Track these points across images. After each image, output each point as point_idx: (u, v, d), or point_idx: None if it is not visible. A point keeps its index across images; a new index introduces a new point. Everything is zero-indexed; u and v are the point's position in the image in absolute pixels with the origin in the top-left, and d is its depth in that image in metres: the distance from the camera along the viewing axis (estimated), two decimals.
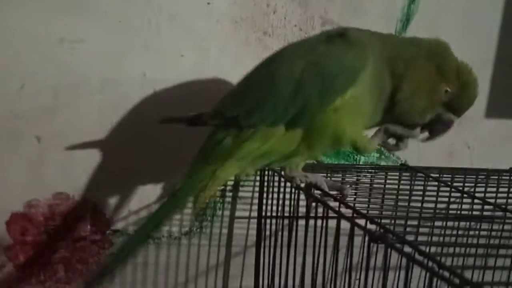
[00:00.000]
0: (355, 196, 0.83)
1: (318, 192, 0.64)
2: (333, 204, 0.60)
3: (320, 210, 0.59)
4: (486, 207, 0.70)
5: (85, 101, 0.81)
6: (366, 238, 0.49)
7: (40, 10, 0.76)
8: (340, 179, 0.86)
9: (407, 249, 0.46)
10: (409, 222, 0.62)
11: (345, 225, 0.54)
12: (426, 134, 0.68)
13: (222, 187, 0.88)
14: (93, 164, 0.83)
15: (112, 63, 0.81)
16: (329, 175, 0.85)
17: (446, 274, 0.41)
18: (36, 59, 0.78)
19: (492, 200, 0.81)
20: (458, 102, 0.63)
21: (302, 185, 0.66)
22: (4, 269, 0.82)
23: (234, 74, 0.65)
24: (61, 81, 0.79)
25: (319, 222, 0.61)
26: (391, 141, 0.68)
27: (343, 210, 0.58)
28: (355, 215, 0.55)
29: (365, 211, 0.79)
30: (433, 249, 0.52)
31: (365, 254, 0.52)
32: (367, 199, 0.82)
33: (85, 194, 0.83)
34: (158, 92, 0.83)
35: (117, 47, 0.80)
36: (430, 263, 0.43)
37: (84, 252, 0.85)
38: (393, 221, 0.62)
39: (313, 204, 0.63)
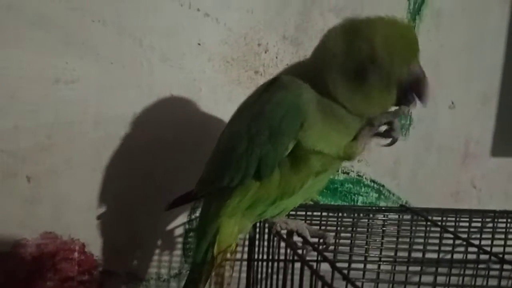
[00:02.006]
0: (351, 239, 0.74)
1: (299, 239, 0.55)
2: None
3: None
4: (493, 258, 0.59)
5: (79, 139, 0.75)
6: None
7: (36, 51, 0.72)
8: (335, 220, 0.77)
9: None
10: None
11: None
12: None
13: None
14: (84, 203, 0.76)
15: (105, 102, 0.75)
16: (324, 216, 0.76)
17: None
18: (32, 98, 0.73)
19: (500, 249, 0.70)
20: (389, 57, 0.47)
21: (284, 231, 0.57)
22: None
23: (226, 113, 0.59)
24: (55, 120, 0.74)
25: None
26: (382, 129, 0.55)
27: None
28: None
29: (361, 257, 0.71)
30: None
31: None
32: (364, 243, 0.73)
33: (74, 233, 0.76)
34: (148, 131, 0.77)
35: (110, 86, 0.75)
36: None
37: None
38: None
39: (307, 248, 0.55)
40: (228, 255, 0.62)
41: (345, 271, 0.51)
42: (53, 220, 0.75)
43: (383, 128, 0.54)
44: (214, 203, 0.58)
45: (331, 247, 0.60)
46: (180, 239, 0.81)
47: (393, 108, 0.52)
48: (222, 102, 0.78)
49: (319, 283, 0.45)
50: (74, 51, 0.73)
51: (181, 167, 0.79)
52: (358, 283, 0.45)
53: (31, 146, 0.73)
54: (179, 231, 0.81)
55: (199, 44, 0.77)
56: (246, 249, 0.79)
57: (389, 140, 0.54)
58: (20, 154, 0.73)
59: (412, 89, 0.49)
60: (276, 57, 0.79)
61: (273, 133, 0.50)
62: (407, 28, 0.49)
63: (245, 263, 0.74)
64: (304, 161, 0.51)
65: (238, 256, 0.80)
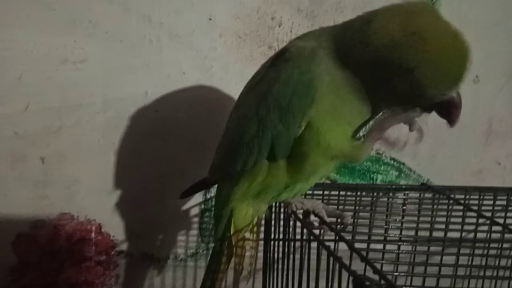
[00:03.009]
0: (369, 219, 0.71)
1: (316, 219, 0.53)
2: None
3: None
4: None
5: (88, 121, 0.74)
6: None
7: (43, 31, 0.70)
8: (354, 199, 0.74)
9: None
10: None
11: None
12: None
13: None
14: (97, 184, 0.75)
15: (115, 82, 0.73)
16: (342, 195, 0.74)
17: None
18: (40, 80, 0.71)
19: None
20: (431, 87, 0.43)
21: (300, 211, 0.55)
22: None
23: (239, 91, 0.57)
24: (65, 102, 0.73)
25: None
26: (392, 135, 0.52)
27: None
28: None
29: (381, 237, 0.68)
30: None
31: None
32: (383, 224, 0.70)
33: (90, 215, 0.76)
34: (160, 111, 0.75)
35: (119, 66, 0.73)
36: None
37: (89, 273, 0.77)
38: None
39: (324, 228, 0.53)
40: (248, 235, 0.60)
41: (364, 252, 0.48)
42: (68, 202, 0.75)
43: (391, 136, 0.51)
44: (225, 188, 0.56)
45: (349, 227, 0.58)
46: (196, 219, 0.80)
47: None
48: (234, 80, 0.75)
49: (336, 264, 0.43)
50: (81, 30, 0.71)
51: (194, 147, 0.77)
52: (377, 265, 0.43)
53: (41, 128, 0.72)
54: (195, 211, 0.80)
55: (210, 19, 0.74)
56: (262, 228, 0.78)
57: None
58: (30, 136, 0.72)
59: (443, 109, 0.46)
60: (291, 31, 0.76)
61: (284, 113, 0.47)
62: (465, 52, 0.44)
63: (261, 242, 0.73)
64: (313, 147, 0.48)
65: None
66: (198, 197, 0.79)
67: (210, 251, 0.78)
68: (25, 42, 0.70)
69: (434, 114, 0.88)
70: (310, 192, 0.69)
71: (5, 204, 0.72)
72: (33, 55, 0.70)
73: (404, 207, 0.72)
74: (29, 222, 0.74)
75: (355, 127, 0.49)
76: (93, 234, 0.76)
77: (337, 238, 0.49)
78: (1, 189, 0.72)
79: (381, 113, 0.50)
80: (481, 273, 0.62)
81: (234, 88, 0.75)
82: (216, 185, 0.61)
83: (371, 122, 0.52)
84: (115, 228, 0.77)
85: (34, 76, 0.71)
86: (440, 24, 0.43)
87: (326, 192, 0.73)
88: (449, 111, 0.46)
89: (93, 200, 0.75)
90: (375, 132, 0.49)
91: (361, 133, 0.54)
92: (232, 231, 0.57)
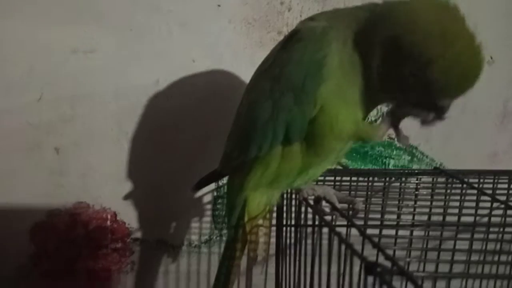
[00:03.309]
0: (382, 205, 0.71)
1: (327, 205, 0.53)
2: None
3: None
4: None
5: (101, 110, 0.74)
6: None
7: (52, 21, 0.71)
8: (366, 184, 0.74)
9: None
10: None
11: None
12: None
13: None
14: (112, 173, 0.76)
15: (125, 71, 0.73)
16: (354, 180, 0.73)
17: None
18: (51, 70, 0.72)
19: None
20: (437, 88, 0.43)
21: (311, 198, 0.55)
22: (29, 277, 0.77)
23: (249, 77, 0.56)
24: (77, 91, 0.73)
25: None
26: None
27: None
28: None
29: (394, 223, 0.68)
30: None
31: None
32: (396, 209, 0.70)
33: (104, 203, 0.77)
34: (171, 99, 0.75)
35: (129, 55, 0.73)
36: None
37: (105, 260, 0.78)
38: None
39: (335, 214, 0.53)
40: (261, 221, 0.61)
41: (376, 238, 0.48)
42: (82, 191, 0.76)
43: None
44: (238, 178, 0.56)
45: (361, 213, 0.58)
46: (209, 206, 0.81)
47: None
48: (244, 66, 0.75)
49: (348, 250, 0.43)
50: (90, 19, 0.71)
51: (206, 134, 0.77)
52: (389, 251, 0.43)
53: (54, 118, 0.73)
54: (208, 198, 0.81)
55: (218, 5, 0.73)
56: (274, 215, 0.78)
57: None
58: (43, 126, 0.73)
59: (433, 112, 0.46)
60: (300, 16, 0.74)
61: (298, 94, 0.47)
62: (481, 63, 0.43)
63: (274, 228, 0.73)
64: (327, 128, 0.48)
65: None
66: (210, 184, 0.80)
67: (224, 238, 0.80)
68: (34, 33, 0.70)
69: None
70: (322, 178, 0.69)
71: (21, 194, 0.74)
72: (43, 45, 0.71)
73: (417, 192, 0.72)
74: (45, 211, 0.76)
75: (362, 112, 0.49)
76: (108, 222, 0.78)
77: (348, 224, 0.49)
78: (17, 178, 0.74)
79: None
80: (495, 258, 0.61)
81: (244, 74, 0.75)
82: (228, 177, 0.61)
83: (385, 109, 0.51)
84: (130, 216, 0.78)
85: (46, 66, 0.72)
86: (467, 29, 0.43)
87: (337, 178, 0.72)
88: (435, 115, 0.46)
89: (107, 189, 0.77)
90: (388, 117, 0.49)
91: (372, 118, 0.54)
92: (246, 219, 0.57)
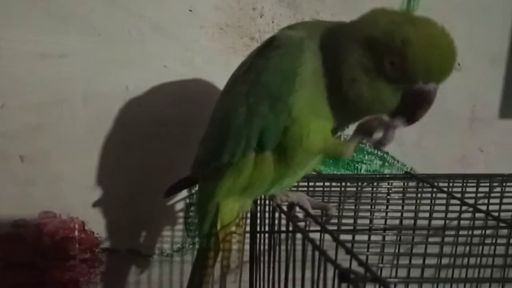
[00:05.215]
0: (354, 210, 0.71)
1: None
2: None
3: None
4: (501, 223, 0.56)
5: (69, 117, 0.71)
6: None
7: (20, 26, 0.68)
8: (339, 189, 0.74)
9: None
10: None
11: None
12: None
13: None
14: (80, 181, 0.74)
15: (95, 77, 0.71)
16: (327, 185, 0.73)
17: None
18: (18, 76, 0.69)
19: (509, 214, 0.67)
20: (419, 67, 0.43)
21: (285, 204, 0.54)
22: None
23: (222, 83, 0.55)
24: (44, 98, 0.70)
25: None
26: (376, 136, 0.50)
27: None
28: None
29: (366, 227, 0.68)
30: None
31: None
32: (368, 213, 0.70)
33: (74, 212, 0.74)
34: (143, 105, 0.73)
35: (99, 60, 0.71)
36: None
37: (74, 271, 0.75)
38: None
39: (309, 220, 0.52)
40: (234, 228, 0.60)
41: (349, 244, 0.48)
42: (50, 200, 0.73)
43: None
44: (210, 183, 0.54)
45: (335, 218, 0.58)
46: (181, 214, 0.79)
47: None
48: (217, 72, 0.74)
49: (322, 257, 0.43)
50: (59, 23, 0.69)
51: (178, 141, 0.75)
52: (363, 256, 0.43)
53: (21, 125, 0.70)
54: (180, 205, 0.79)
55: (190, 10, 0.72)
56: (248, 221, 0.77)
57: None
58: (10, 134, 0.70)
59: (412, 103, 0.45)
60: (273, 22, 0.74)
61: (273, 101, 0.46)
62: (452, 44, 0.44)
63: (247, 235, 0.72)
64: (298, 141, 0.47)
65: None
66: (183, 192, 0.78)
67: (196, 246, 0.78)
68: (3, 38, 0.67)
69: None
70: (295, 183, 0.68)
71: None
72: (9, 50, 0.68)
73: (389, 197, 0.72)
74: (11, 222, 0.72)
75: (334, 127, 0.49)
76: (76, 232, 0.75)
77: (322, 229, 0.48)
78: None
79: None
80: (465, 261, 0.62)
81: (217, 79, 0.73)
82: (199, 182, 0.60)
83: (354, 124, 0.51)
84: (99, 225, 0.76)
85: (11, 72, 0.69)
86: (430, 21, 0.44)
87: (311, 183, 0.72)
88: (417, 108, 0.45)
89: (77, 198, 0.74)
90: (357, 134, 0.49)
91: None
92: (219, 227, 0.56)
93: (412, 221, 0.68)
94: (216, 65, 0.74)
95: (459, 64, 0.83)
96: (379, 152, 0.83)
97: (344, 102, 0.46)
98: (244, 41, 0.74)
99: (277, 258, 0.57)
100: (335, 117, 0.48)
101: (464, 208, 0.61)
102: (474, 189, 0.73)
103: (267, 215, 0.62)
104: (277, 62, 0.47)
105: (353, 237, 0.63)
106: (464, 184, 0.74)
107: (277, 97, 0.46)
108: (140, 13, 0.70)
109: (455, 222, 0.66)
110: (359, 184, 0.75)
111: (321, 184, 0.73)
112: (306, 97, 0.46)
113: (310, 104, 0.46)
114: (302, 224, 0.53)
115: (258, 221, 0.66)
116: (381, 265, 0.47)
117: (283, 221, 0.57)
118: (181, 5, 0.72)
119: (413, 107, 0.46)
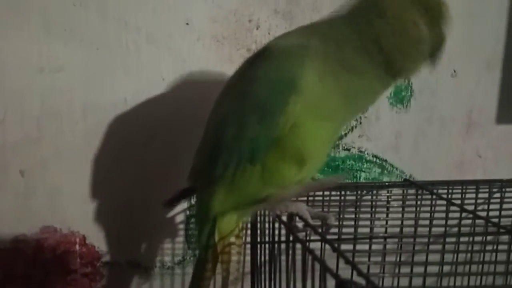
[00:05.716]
0: (354, 219, 0.71)
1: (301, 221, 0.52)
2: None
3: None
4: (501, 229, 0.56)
5: (69, 130, 0.71)
6: None
7: (18, 40, 0.68)
8: (338, 198, 0.74)
9: None
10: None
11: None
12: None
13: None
14: (80, 194, 0.73)
15: (93, 89, 0.71)
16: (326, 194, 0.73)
17: None
18: (17, 89, 0.69)
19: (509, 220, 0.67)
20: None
21: (284, 214, 0.54)
22: None
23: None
24: (43, 111, 0.71)
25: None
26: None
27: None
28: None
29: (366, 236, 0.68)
30: None
31: None
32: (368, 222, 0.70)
33: (73, 225, 0.74)
34: (141, 117, 0.73)
35: (97, 73, 0.71)
36: None
37: (75, 286, 0.75)
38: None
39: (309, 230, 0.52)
40: (233, 239, 0.59)
41: (350, 254, 0.48)
42: (50, 213, 0.73)
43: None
44: (207, 196, 0.54)
45: (335, 228, 0.57)
46: (181, 226, 0.78)
47: None
48: (214, 83, 0.74)
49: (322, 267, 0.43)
50: (57, 37, 0.69)
51: (177, 152, 0.75)
52: (363, 266, 0.43)
53: (20, 138, 0.70)
54: (180, 217, 0.79)
55: (187, 23, 0.72)
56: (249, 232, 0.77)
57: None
58: (9, 147, 0.70)
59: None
60: (269, 33, 0.75)
61: (262, 113, 0.46)
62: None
63: (248, 246, 0.72)
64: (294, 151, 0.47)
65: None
66: (183, 204, 0.78)
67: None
68: (1, 51, 0.67)
69: (415, 107, 0.87)
70: None
71: None
72: (8, 64, 0.68)
73: (388, 205, 0.72)
74: (11, 237, 0.72)
75: (339, 125, 0.49)
76: (77, 246, 0.74)
77: (322, 239, 0.48)
78: None
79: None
80: (466, 269, 0.61)
81: (214, 91, 0.73)
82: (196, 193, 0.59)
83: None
84: (100, 238, 0.75)
85: (10, 85, 0.69)
86: None
87: (310, 193, 0.72)
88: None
89: (76, 210, 0.73)
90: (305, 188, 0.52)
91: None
92: (217, 238, 0.56)
93: (413, 229, 0.68)
94: (213, 76, 0.74)
95: (454, 71, 0.83)
96: (377, 160, 0.83)
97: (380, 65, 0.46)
98: (241, 53, 0.74)
99: (277, 269, 0.56)
100: (352, 106, 0.48)
101: (464, 214, 0.61)
102: (473, 195, 0.73)
103: (267, 225, 0.62)
104: (266, 72, 0.46)
105: (354, 246, 0.62)
106: (464, 191, 0.74)
107: (265, 109, 0.46)
108: (137, 25, 0.71)
109: (455, 229, 0.66)
110: (359, 192, 0.75)
111: (321, 193, 0.73)
112: (305, 104, 0.45)
113: (311, 110, 0.46)
114: (302, 234, 0.53)
115: (259, 231, 0.66)
116: (381, 274, 0.46)
117: (283, 231, 0.57)
118: (177, 18, 0.72)
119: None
